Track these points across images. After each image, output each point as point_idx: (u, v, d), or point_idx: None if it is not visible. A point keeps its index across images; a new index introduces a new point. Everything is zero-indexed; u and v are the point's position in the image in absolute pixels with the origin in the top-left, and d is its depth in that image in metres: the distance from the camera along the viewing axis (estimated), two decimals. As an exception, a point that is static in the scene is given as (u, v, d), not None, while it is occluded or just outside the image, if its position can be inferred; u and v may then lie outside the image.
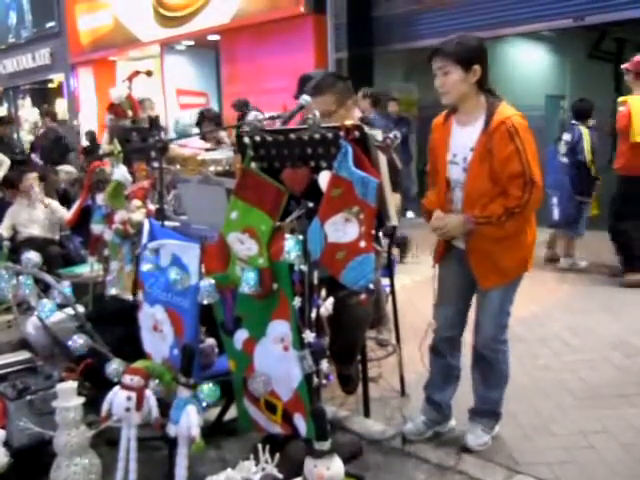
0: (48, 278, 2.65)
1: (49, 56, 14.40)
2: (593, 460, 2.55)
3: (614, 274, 5.23)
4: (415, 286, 4.56)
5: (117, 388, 2.27)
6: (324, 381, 2.26)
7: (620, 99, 5.05)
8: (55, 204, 5.64)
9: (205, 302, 2.34)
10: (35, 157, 8.88)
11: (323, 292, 2.69)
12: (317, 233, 2.13)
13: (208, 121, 5.04)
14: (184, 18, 10.52)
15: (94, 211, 3.09)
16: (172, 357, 2.49)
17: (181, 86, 11.71)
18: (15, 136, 8.36)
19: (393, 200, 2.47)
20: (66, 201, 6.24)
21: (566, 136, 5.48)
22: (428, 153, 2.67)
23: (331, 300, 2.73)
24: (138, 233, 2.81)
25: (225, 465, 2.09)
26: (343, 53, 8.61)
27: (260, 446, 2.02)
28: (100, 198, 3.03)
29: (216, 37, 10.50)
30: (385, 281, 3.59)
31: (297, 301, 2.17)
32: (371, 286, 2.33)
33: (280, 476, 2.00)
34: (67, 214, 5.47)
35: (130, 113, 3.33)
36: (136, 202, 3.09)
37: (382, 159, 2.56)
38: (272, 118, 2.60)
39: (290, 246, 2.10)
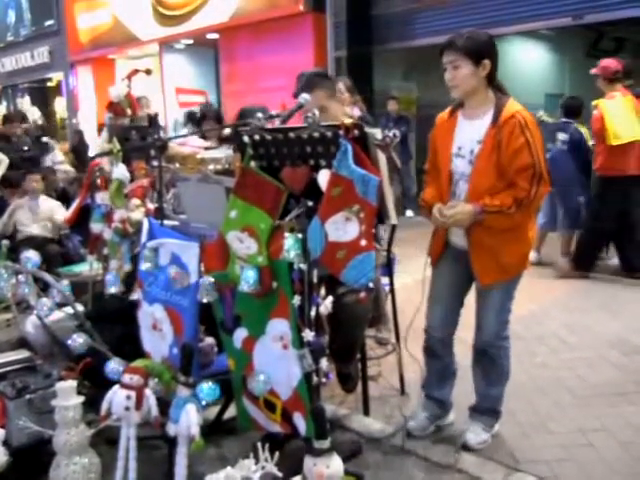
0: (47, 277, 2.65)
1: (48, 54, 14.37)
2: (592, 458, 2.55)
3: (613, 273, 5.26)
4: (415, 285, 4.52)
5: (116, 387, 2.27)
6: (323, 380, 2.26)
7: (593, 103, 5.12)
8: (56, 204, 5.65)
9: (204, 301, 2.34)
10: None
11: (322, 290, 2.69)
12: (317, 232, 2.13)
13: (208, 119, 5.02)
14: (183, 17, 10.50)
15: (93, 210, 3.09)
16: (171, 356, 2.49)
17: (180, 85, 11.70)
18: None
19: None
20: (65, 200, 6.24)
21: (562, 136, 5.49)
22: (428, 149, 2.67)
23: (330, 299, 2.73)
24: (137, 232, 2.81)
25: (225, 464, 2.09)
26: (342, 52, 8.60)
27: (260, 445, 2.02)
28: (99, 197, 3.03)
29: (215, 36, 10.49)
30: (385, 280, 3.59)
31: (297, 300, 2.17)
32: (370, 284, 2.34)
33: (280, 474, 2.00)
34: (66, 213, 5.47)
35: (129, 112, 3.32)
36: (135, 201, 3.09)
37: (381, 158, 2.57)
38: (271, 117, 2.60)
39: (289, 245, 2.10)
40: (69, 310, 2.75)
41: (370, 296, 2.80)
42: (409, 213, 8.06)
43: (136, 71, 3.42)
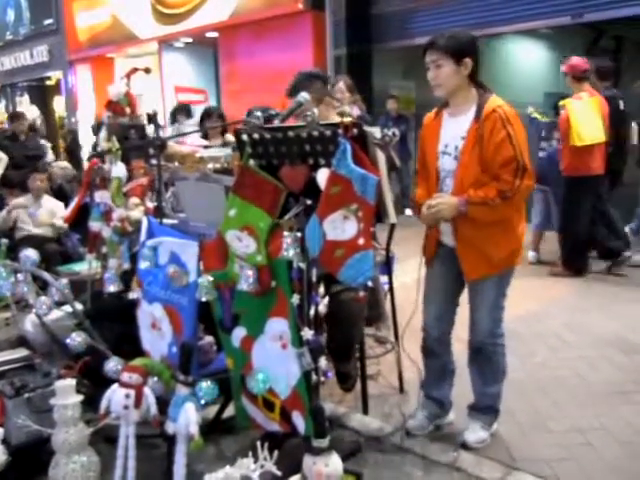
0: (46, 276, 2.65)
1: (47, 53, 14.35)
2: (591, 457, 2.56)
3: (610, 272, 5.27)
4: (414, 284, 4.54)
5: (115, 386, 2.27)
6: (322, 378, 2.26)
7: (560, 103, 5.16)
8: (58, 205, 5.65)
9: (203, 300, 2.34)
10: None
11: (321, 289, 2.69)
12: (315, 231, 2.13)
13: (212, 118, 4.98)
14: (182, 15, 10.49)
15: (92, 208, 3.09)
16: (170, 355, 2.49)
17: (179, 83, 11.68)
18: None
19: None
20: (62, 197, 6.23)
21: (557, 135, 5.50)
22: (417, 149, 2.70)
23: (327, 297, 2.73)
24: (136, 231, 2.81)
25: (224, 462, 2.09)
26: (342, 50, 8.59)
27: (259, 443, 2.02)
28: (98, 195, 3.03)
29: (214, 34, 10.48)
30: (384, 279, 3.59)
31: (295, 298, 2.17)
32: (369, 283, 2.34)
33: (279, 473, 2.01)
34: (65, 212, 5.48)
35: (128, 110, 3.32)
36: (134, 200, 3.09)
37: (380, 157, 2.57)
38: (270, 116, 2.60)
39: (288, 243, 2.10)
40: (68, 309, 2.74)
41: (367, 294, 2.80)
42: (408, 212, 8.05)
43: (135, 70, 3.41)
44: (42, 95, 16.00)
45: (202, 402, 2.23)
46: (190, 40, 11.40)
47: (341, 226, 2.09)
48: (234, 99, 9.81)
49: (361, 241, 2.08)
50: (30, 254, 2.57)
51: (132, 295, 2.63)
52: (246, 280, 2.20)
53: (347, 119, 2.18)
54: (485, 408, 2.68)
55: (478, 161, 2.39)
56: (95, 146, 7.39)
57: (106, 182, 3.03)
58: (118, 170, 2.95)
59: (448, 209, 2.40)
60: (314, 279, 2.21)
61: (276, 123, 2.52)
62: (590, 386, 3.19)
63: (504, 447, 2.64)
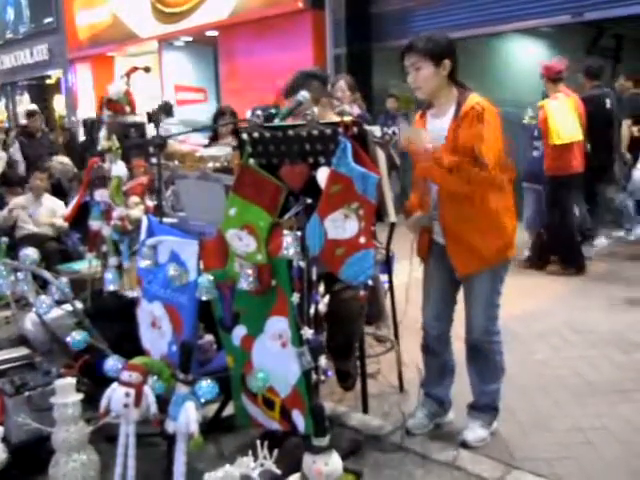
0: (46, 274, 2.65)
1: (47, 52, 14.35)
2: (591, 456, 2.56)
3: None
4: (415, 283, 4.54)
5: (115, 384, 2.27)
6: (322, 377, 2.26)
7: (538, 104, 5.27)
8: (59, 204, 5.65)
9: (203, 298, 2.34)
10: None
11: (321, 288, 2.69)
12: (316, 229, 2.13)
13: (224, 116, 4.93)
14: (182, 14, 10.49)
15: (92, 207, 3.09)
16: (170, 353, 2.49)
17: (179, 82, 11.68)
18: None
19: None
20: (60, 192, 6.23)
21: None
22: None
23: (327, 297, 2.73)
24: (136, 229, 2.81)
25: (223, 461, 2.09)
26: (342, 49, 8.59)
27: (258, 442, 2.02)
28: (98, 194, 3.03)
29: (214, 33, 10.48)
30: (384, 277, 3.59)
31: (295, 297, 2.17)
32: (369, 282, 2.34)
33: (278, 472, 2.01)
34: (66, 211, 5.47)
35: (128, 109, 3.32)
36: (134, 198, 3.09)
37: (381, 155, 2.57)
38: (270, 115, 2.60)
39: (289, 242, 2.10)
40: (68, 307, 2.74)
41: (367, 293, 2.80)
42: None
43: (135, 69, 3.41)
44: (42, 94, 16.00)
45: (202, 401, 2.23)
46: (190, 39, 11.39)
47: (342, 225, 2.09)
48: (234, 98, 9.79)
49: (362, 240, 2.09)
50: (30, 253, 2.57)
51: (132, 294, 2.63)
52: (246, 279, 2.20)
53: (347, 118, 2.18)
54: (484, 407, 2.69)
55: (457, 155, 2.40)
56: (87, 143, 7.42)
57: (106, 181, 3.03)
58: (118, 169, 2.95)
59: (419, 142, 2.40)
60: (314, 278, 2.21)
61: (276, 122, 2.52)
62: (590, 385, 3.19)
63: (504, 446, 2.64)
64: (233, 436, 2.72)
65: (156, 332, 2.57)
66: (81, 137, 10.65)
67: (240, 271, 2.24)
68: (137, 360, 2.37)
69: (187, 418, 2.16)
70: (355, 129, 2.17)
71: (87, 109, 13.31)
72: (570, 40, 10.04)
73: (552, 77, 5.19)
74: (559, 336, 3.89)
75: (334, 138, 2.15)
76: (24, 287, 2.55)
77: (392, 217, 2.84)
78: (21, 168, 7.68)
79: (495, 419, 2.71)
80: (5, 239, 2.97)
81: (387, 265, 3.30)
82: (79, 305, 2.83)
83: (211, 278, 2.31)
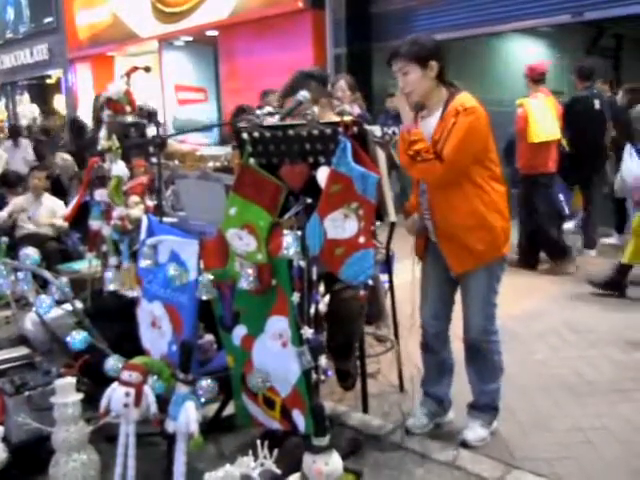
0: (46, 274, 2.65)
1: (47, 52, 14.35)
2: (591, 456, 2.56)
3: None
4: (415, 283, 4.54)
5: (116, 384, 2.27)
6: (322, 377, 2.26)
7: (517, 102, 5.34)
8: (59, 204, 5.65)
9: (204, 298, 2.34)
10: None
11: (322, 288, 2.69)
12: (316, 229, 2.13)
13: (245, 113, 4.92)
14: (182, 14, 10.49)
15: (92, 207, 3.09)
16: (171, 353, 2.49)
17: (180, 82, 11.69)
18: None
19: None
20: (60, 190, 6.23)
21: None
22: None
23: (327, 296, 2.73)
24: (136, 229, 2.81)
25: (224, 461, 2.09)
26: (342, 49, 8.59)
27: (259, 442, 2.02)
28: (98, 194, 3.03)
29: (214, 33, 10.48)
30: (384, 277, 3.59)
31: (296, 297, 2.17)
32: (369, 282, 2.34)
33: (279, 472, 2.01)
34: (66, 210, 5.47)
35: (128, 109, 3.32)
36: (134, 198, 3.09)
37: (380, 155, 2.57)
38: (270, 114, 2.60)
39: (289, 242, 2.10)
40: (68, 307, 2.74)
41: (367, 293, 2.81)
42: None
43: (135, 68, 3.41)
44: (42, 94, 16.01)
45: (202, 400, 2.23)
46: (190, 38, 11.40)
47: (342, 225, 2.09)
48: (234, 97, 9.79)
49: (362, 240, 2.09)
50: (30, 252, 2.57)
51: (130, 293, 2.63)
52: (246, 278, 2.20)
53: (347, 118, 2.18)
54: (484, 406, 2.69)
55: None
56: (87, 142, 7.43)
57: (106, 181, 3.03)
58: (118, 168, 2.95)
59: (402, 109, 2.48)
60: (314, 277, 2.21)
61: (276, 121, 2.52)
62: (590, 385, 3.19)
63: (504, 445, 2.64)
64: (233, 436, 2.73)
65: (156, 332, 2.57)
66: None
67: (240, 271, 2.24)
68: (137, 360, 2.37)
69: (187, 418, 2.16)
70: (355, 129, 2.17)
71: (87, 109, 13.33)
72: (570, 40, 10.05)
73: (535, 78, 5.30)
74: (558, 336, 3.89)
75: (334, 138, 2.15)
76: (24, 287, 2.54)
77: (392, 217, 2.85)
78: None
79: (495, 419, 2.71)
80: (5, 239, 2.97)
81: (387, 265, 3.30)
82: (79, 305, 2.83)
83: (211, 278, 2.31)
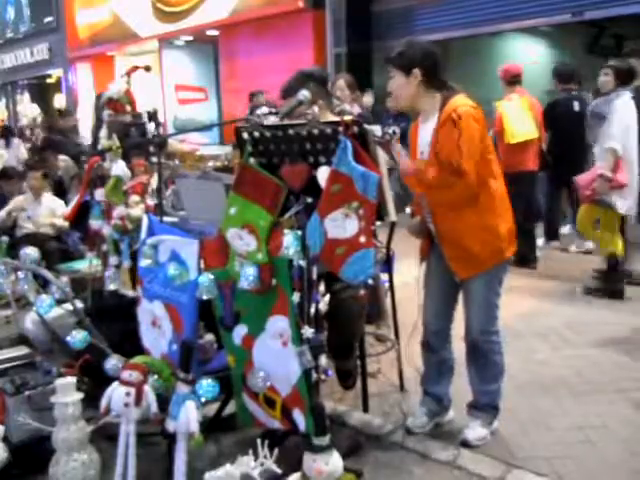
0: (47, 274, 2.65)
1: (47, 51, 14.36)
2: (591, 455, 2.56)
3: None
4: (415, 282, 4.55)
5: (116, 383, 2.28)
6: (323, 376, 2.26)
7: (493, 104, 5.40)
8: (59, 203, 5.65)
9: (204, 298, 2.34)
10: None
11: (322, 287, 2.69)
12: (316, 229, 2.13)
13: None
14: (182, 13, 10.49)
15: (92, 206, 3.09)
16: (171, 353, 2.49)
17: (180, 81, 11.69)
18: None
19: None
20: (60, 189, 6.23)
21: None
22: None
23: (327, 296, 2.73)
24: (137, 229, 2.81)
25: (224, 460, 2.09)
26: (342, 48, 8.59)
27: (259, 441, 2.02)
28: (99, 193, 3.03)
29: (215, 32, 10.48)
30: (384, 277, 3.59)
31: (296, 297, 2.17)
32: (370, 281, 2.34)
33: (279, 471, 2.01)
34: (66, 210, 5.47)
35: (129, 108, 3.32)
36: (135, 197, 3.09)
37: (381, 154, 2.57)
38: (270, 113, 2.60)
39: (289, 242, 2.10)
40: (68, 307, 2.74)
41: (367, 293, 2.81)
42: (409, 210, 8.05)
43: (135, 68, 3.41)
44: (42, 93, 16.02)
45: (202, 400, 2.23)
46: (190, 38, 11.40)
47: (342, 224, 2.09)
48: (234, 97, 9.80)
49: (362, 239, 2.08)
50: (30, 252, 2.57)
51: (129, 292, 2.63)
52: (247, 278, 2.20)
53: (347, 117, 2.18)
54: (484, 406, 2.69)
55: (437, 161, 2.45)
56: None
57: (106, 180, 3.03)
58: (118, 168, 2.95)
59: (404, 165, 2.55)
60: (314, 277, 2.21)
61: (276, 120, 2.52)
62: (591, 384, 3.19)
63: (504, 445, 2.64)
64: (233, 435, 2.73)
65: (156, 331, 2.57)
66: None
67: (240, 270, 2.24)
68: (137, 359, 2.37)
69: (187, 417, 2.16)
70: (355, 128, 2.17)
71: (87, 108, 13.33)
72: (570, 39, 10.05)
73: (508, 79, 5.34)
74: (558, 335, 3.89)
75: (334, 137, 2.14)
76: (24, 286, 2.55)
77: (392, 216, 2.84)
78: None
79: (495, 418, 2.71)
80: (5, 238, 2.98)
81: (387, 264, 3.30)
82: (79, 304, 2.83)
83: (212, 277, 2.31)
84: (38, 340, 3.17)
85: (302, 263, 2.15)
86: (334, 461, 2.03)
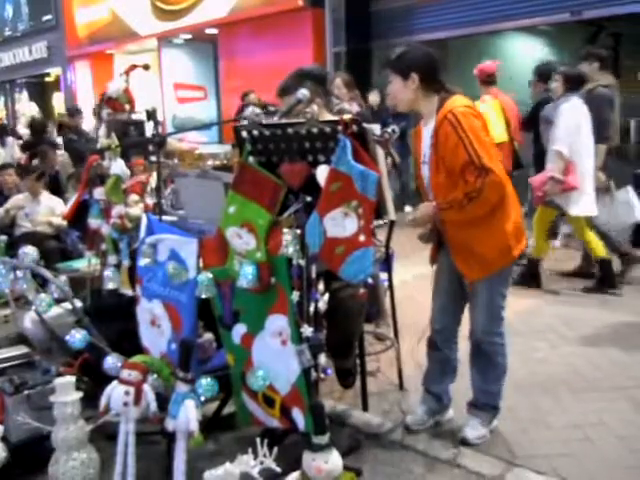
0: (45, 273, 2.65)
1: (46, 49, 14.33)
2: (590, 452, 2.56)
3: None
4: (415, 281, 4.57)
5: (115, 383, 2.28)
6: (322, 375, 2.26)
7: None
8: (57, 201, 5.64)
9: (203, 296, 2.34)
10: None
11: (321, 286, 2.70)
12: (315, 228, 2.13)
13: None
14: (182, 12, 10.48)
15: (91, 205, 3.09)
16: (170, 352, 2.49)
17: (179, 80, 11.67)
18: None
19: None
20: (55, 184, 6.22)
21: None
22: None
23: (326, 295, 2.73)
24: (136, 227, 2.81)
25: (224, 459, 2.09)
26: (341, 47, 8.58)
27: (258, 440, 2.02)
28: (98, 192, 3.02)
29: (214, 31, 10.47)
30: (383, 275, 3.59)
31: (295, 295, 2.17)
32: (369, 280, 2.34)
33: (278, 470, 2.01)
34: (65, 209, 5.47)
35: (128, 107, 3.31)
36: (134, 197, 3.09)
37: (380, 153, 2.57)
38: (269, 112, 2.60)
39: (288, 240, 2.10)
40: (67, 306, 2.74)
41: (366, 291, 2.81)
42: (408, 209, 8.05)
43: (134, 66, 3.40)
44: (41, 92, 16.00)
45: (202, 399, 2.23)
46: (189, 37, 11.39)
47: (341, 223, 2.09)
48: (234, 95, 9.79)
49: (362, 238, 2.08)
50: (29, 251, 2.57)
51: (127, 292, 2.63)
52: (246, 277, 2.20)
53: (347, 116, 2.18)
54: (484, 405, 2.69)
55: (441, 168, 2.45)
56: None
57: (105, 179, 3.02)
58: (117, 167, 2.95)
59: (424, 216, 2.52)
60: (314, 276, 2.21)
61: (275, 119, 2.52)
62: (589, 382, 3.20)
63: (504, 443, 2.65)
64: (233, 434, 2.73)
65: (155, 330, 2.57)
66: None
67: (240, 269, 2.24)
68: (137, 358, 2.37)
69: (187, 416, 2.16)
70: (355, 127, 2.17)
71: (87, 107, 13.31)
72: (569, 38, 10.04)
73: (483, 79, 5.33)
74: (556, 333, 3.89)
75: (334, 136, 2.14)
76: (23, 285, 2.54)
77: (392, 215, 2.84)
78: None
79: (495, 417, 2.72)
80: (4, 237, 2.97)
81: (387, 263, 3.30)
82: (78, 303, 2.83)
83: (211, 276, 2.31)
84: (37, 339, 3.17)
85: (301, 262, 2.15)
86: (333, 460, 2.03)
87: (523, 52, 10.37)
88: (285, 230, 2.15)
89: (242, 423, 2.62)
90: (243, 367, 2.38)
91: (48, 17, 14.04)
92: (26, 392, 2.52)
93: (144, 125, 3.37)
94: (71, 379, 2.31)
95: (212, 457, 2.51)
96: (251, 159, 2.34)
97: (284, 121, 2.42)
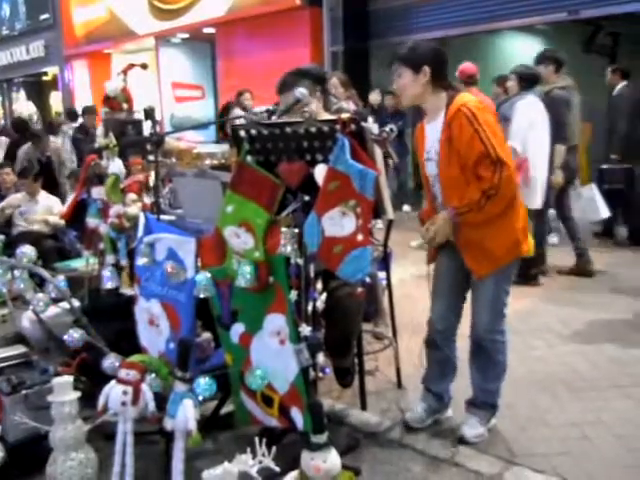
0: (43, 272, 2.64)
1: (43, 49, 14.28)
2: (588, 451, 2.57)
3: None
4: (413, 280, 4.58)
5: (113, 382, 2.27)
6: (320, 374, 2.27)
7: None
8: (54, 201, 5.63)
9: (201, 296, 2.33)
10: None
11: (319, 285, 2.69)
12: (313, 227, 2.13)
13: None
14: (179, 11, 10.46)
15: (89, 205, 3.08)
16: (168, 351, 2.49)
17: (176, 79, 11.66)
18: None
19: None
20: (47, 170, 6.20)
21: None
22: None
23: (324, 294, 2.73)
24: (134, 227, 2.80)
25: (222, 458, 2.09)
26: (339, 46, 8.58)
27: (257, 439, 2.02)
28: (95, 192, 3.02)
29: (212, 30, 10.45)
30: (381, 274, 3.60)
31: (293, 295, 2.17)
32: (367, 279, 2.34)
33: (277, 469, 2.01)
34: (62, 208, 5.46)
35: (126, 106, 3.31)
36: (132, 196, 3.08)
37: (378, 152, 2.57)
38: (268, 112, 2.60)
39: (286, 240, 2.10)
40: (65, 305, 2.74)
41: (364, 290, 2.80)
42: (406, 208, 8.06)
43: (132, 66, 3.40)
44: (39, 91, 15.95)
45: (200, 398, 2.23)
46: (187, 36, 11.37)
47: (340, 222, 2.09)
48: (231, 95, 9.78)
49: (360, 237, 2.08)
50: (27, 251, 2.57)
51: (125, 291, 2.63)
52: (244, 276, 2.20)
53: (345, 115, 2.18)
54: (483, 404, 2.69)
55: (454, 162, 2.43)
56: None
57: (103, 178, 3.02)
58: (115, 166, 2.95)
59: (442, 228, 2.47)
60: (312, 275, 2.21)
61: (274, 119, 2.52)
62: (587, 380, 3.20)
63: (503, 442, 2.65)
64: (231, 433, 2.73)
65: (154, 330, 2.57)
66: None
67: (238, 268, 2.23)
68: (135, 358, 2.37)
69: (185, 416, 2.16)
70: (353, 126, 2.17)
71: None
72: (566, 38, 10.06)
73: (464, 80, 5.36)
74: (554, 332, 3.90)
75: (332, 135, 2.14)
76: (21, 285, 2.54)
77: (390, 214, 2.84)
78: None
79: (493, 416, 2.72)
80: (2, 237, 2.97)
81: (385, 262, 3.30)
82: (76, 303, 2.83)
83: (209, 275, 2.31)
84: (35, 339, 3.17)
85: (299, 261, 2.15)
86: (332, 459, 2.03)
87: (521, 51, 10.38)
88: (283, 229, 2.15)
89: (241, 422, 2.62)
90: (241, 366, 2.38)
91: (45, 16, 14.00)
92: (24, 392, 2.52)
93: (142, 124, 3.36)
94: (69, 379, 2.31)
95: (210, 456, 2.51)
96: (249, 158, 2.34)
97: (282, 120, 2.42)
